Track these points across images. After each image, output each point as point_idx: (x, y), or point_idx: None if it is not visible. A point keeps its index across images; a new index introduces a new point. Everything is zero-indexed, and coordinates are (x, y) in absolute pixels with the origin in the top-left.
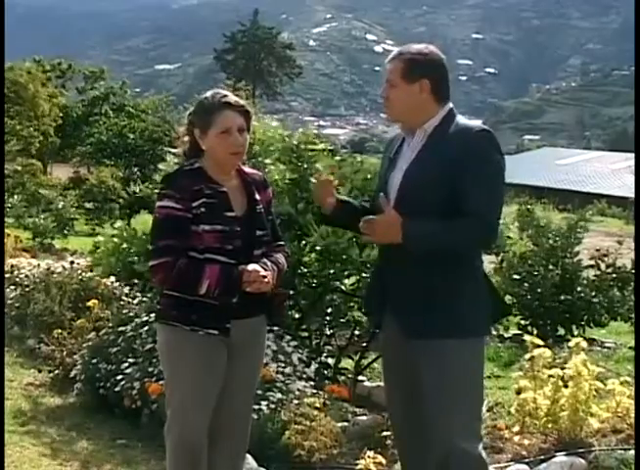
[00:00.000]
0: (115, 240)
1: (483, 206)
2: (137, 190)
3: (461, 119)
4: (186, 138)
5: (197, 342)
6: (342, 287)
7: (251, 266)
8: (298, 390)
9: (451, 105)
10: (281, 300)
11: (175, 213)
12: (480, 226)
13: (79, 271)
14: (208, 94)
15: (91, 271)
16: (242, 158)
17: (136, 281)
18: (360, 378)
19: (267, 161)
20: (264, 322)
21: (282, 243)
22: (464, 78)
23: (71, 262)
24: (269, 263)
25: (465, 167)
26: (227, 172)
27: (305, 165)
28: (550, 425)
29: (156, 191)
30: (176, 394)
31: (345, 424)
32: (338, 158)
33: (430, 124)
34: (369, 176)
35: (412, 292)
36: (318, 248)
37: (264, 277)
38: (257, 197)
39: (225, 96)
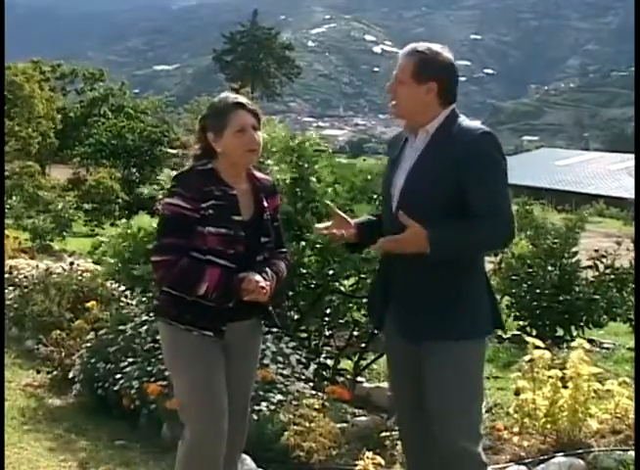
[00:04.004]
0: (120, 240)
1: (499, 208)
2: (145, 191)
3: (464, 121)
4: (197, 145)
5: (191, 342)
6: (342, 288)
7: (252, 276)
8: (297, 391)
9: (453, 105)
10: (277, 304)
11: (183, 212)
12: (503, 228)
13: (78, 272)
14: (219, 97)
15: (97, 267)
16: (258, 155)
17: (135, 284)
18: (359, 379)
19: (269, 161)
20: (260, 323)
21: (284, 250)
22: (463, 79)
23: (71, 264)
24: (270, 273)
25: (470, 171)
26: (241, 172)
27: (306, 165)
28: (549, 426)
29: (161, 192)
30: (190, 396)
31: (344, 425)
32: (338, 160)
33: (432, 125)
34: (369, 177)
35: (415, 293)
36: (318, 246)
37: (263, 288)
38: (266, 203)
39: (236, 97)
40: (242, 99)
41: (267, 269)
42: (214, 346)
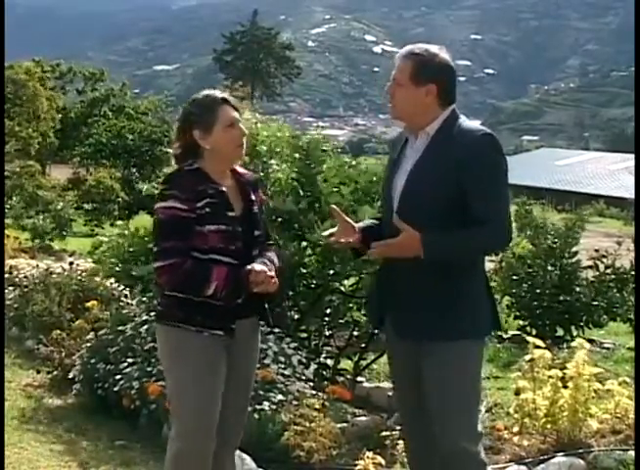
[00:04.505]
0: (120, 241)
1: (497, 212)
2: (143, 188)
3: (464, 121)
4: (177, 144)
5: (201, 343)
6: (342, 288)
7: (259, 267)
8: (298, 391)
9: (453, 106)
10: (275, 301)
11: (181, 214)
12: (498, 233)
13: (78, 272)
14: (203, 94)
15: (95, 266)
16: (244, 150)
17: (135, 283)
18: (359, 379)
19: (272, 161)
20: (258, 321)
21: (272, 242)
22: (463, 79)
23: (71, 263)
24: (269, 263)
25: (470, 172)
26: (228, 169)
27: (313, 165)
28: (549, 426)
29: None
30: (183, 396)
31: (345, 425)
32: (345, 159)
33: (432, 127)
34: (374, 179)
35: (415, 293)
36: (321, 243)
37: (272, 277)
38: (253, 197)
39: (221, 93)
40: (226, 95)
41: (265, 260)
42: (220, 346)
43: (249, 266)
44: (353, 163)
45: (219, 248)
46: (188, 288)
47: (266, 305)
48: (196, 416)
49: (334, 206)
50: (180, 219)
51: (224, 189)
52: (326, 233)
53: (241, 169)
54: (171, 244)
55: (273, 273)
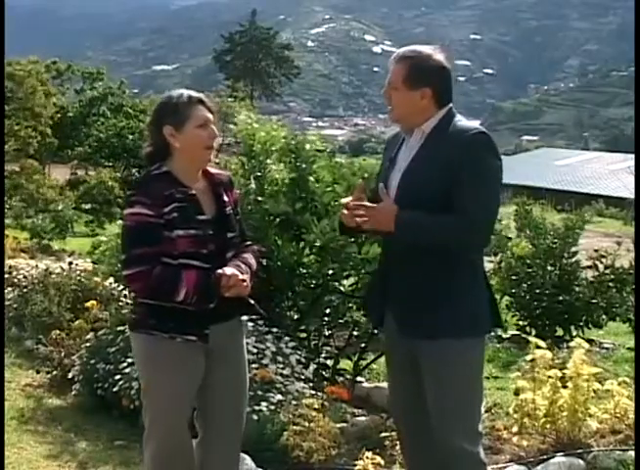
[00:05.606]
0: (119, 240)
1: (473, 205)
2: None
3: (459, 121)
4: (148, 142)
5: (175, 349)
6: (341, 288)
7: (230, 271)
8: (297, 391)
9: (450, 105)
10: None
11: (148, 220)
12: (467, 225)
13: (78, 272)
14: (177, 93)
15: (94, 266)
16: (213, 153)
17: None
18: (359, 379)
19: (268, 161)
20: (241, 323)
21: (250, 243)
22: (462, 79)
23: (70, 263)
24: (243, 266)
25: (460, 169)
26: (197, 171)
27: (304, 165)
28: (549, 426)
29: None
30: (157, 401)
31: (344, 425)
32: (336, 160)
33: (427, 125)
34: (366, 175)
35: (413, 291)
36: (318, 244)
37: (243, 281)
38: (226, 198)
39: (196, 93)
40: (201, 95)
41: (239, 263)
42: (197, 352)
43: (219, 270)
44: (355, 162)
45: (190, 252)
46: (158, 294)
47: (252, 301)
48: (164, 415)
49: (361, 181)
50: (148, 225)
51: (194, 192)
52: (344, 200)
53: (213, 170)
54: (141, 250)
55: (245, 276)
